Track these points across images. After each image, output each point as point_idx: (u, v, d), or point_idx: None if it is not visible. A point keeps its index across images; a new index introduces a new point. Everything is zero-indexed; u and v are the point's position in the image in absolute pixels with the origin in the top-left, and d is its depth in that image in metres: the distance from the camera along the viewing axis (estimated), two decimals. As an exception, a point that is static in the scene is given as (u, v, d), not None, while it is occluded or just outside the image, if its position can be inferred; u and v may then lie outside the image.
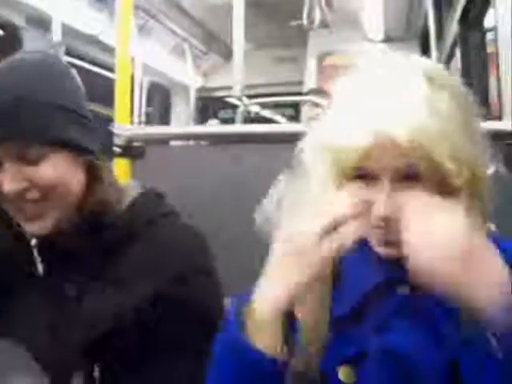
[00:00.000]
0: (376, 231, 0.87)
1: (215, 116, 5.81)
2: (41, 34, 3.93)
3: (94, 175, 1.08)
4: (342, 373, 0.86)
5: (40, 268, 1.06)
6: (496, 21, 1.92)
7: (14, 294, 1.06)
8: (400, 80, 0.85)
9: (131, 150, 1.83)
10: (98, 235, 1.05)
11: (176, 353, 1.01)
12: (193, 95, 5.31)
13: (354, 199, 0.83)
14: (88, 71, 4.92)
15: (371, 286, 0.89)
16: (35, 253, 1.06)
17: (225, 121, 5.56)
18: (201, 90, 5.62)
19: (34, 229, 1.03)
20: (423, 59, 0.92)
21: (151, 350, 1.00)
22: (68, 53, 3.99)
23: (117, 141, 1.81)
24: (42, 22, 3.79)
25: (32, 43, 3.92)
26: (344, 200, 0.84)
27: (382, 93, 0.84)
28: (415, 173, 0.83)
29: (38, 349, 0.98)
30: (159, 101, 5.78)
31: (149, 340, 1.00)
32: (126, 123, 1.87)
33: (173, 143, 1.96)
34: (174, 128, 2.85)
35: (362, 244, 0.90)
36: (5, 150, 1.00)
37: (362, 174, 0.86)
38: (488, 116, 2.92)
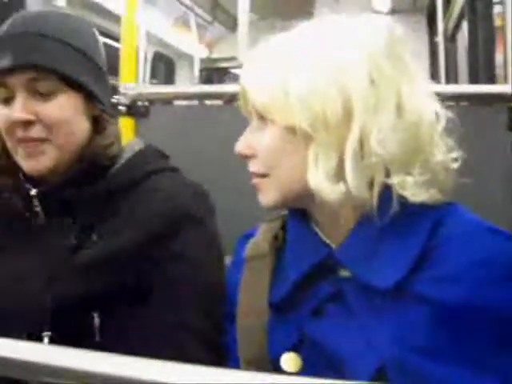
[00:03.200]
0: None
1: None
2: (44, 1, 3.92)
3: (99, 125, 1.08)
4: (285, 361, 0.86)
5: (40, 217, 1.05)
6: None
7: (13, 243, 1.06)
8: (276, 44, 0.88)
9: (136, 109, 1.84)
10: (97, 185, 1.05)
11: (173, 298, 1.01)
12: (197, 66, 5.30)
13: None
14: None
15: (307, 267, 0.87)
16: (35, 202, 1.05)
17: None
18: (205, 60, 5.60)
19: (33, 165, 1.03)
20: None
21: (148, 296, 1.00)
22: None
23: (122, 100, 1.82)
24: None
25: (35, 8, 3.90)
26: None
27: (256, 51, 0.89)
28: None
29: (35, 298, 0.98)
30: (163, 71, 5.77)
31: (145, 285, 1.01)
32: (132, 82, 1.88)
33: (177, 103, 1.97)
34: (178, 87, 2.84)
35: (300, 218, 0.90)
36: (18, 79, 1.00)
37: None
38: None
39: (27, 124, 1.01)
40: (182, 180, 1.11)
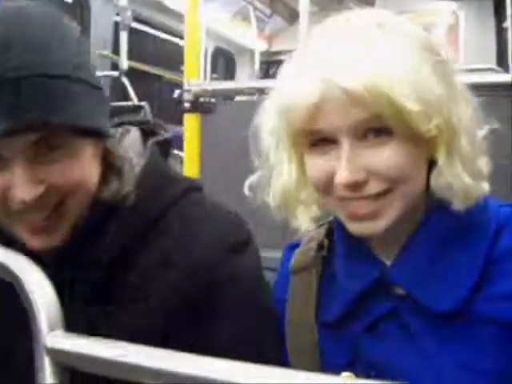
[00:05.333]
0: (343, 204, 0.77)
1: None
2: (107, 0, 4.00)
3: (108, 163, 0.86)
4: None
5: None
6: None
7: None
8: (351, 30, 0.76)
9: (200, 105, 1.85)
10: (112, 232, 0.84)
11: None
12: (257, 59, 5.29)
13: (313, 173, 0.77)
14: (155, 37, 4.99)
15: (362, 286, 0.81)
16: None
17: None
18: (265, 53, 5.60)
19: (40, 244, 0.81)
20: (380, 11, 0.81)
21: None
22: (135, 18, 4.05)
23: (186, 96, 1.84)
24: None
25: (99, 9, 4.00)
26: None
27: (331, 44, 0.75)
28: (381, 126, 0.72)
29: None
30: (224, 66, 5.80)
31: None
32: (196, 79, 1.90)
33: (238, 98, 1.98)
34: (242, 82, 2.83)
35: (349, 235, 0.83)
36: (17, 144, 0.74)
37: (321, 139, 0.75)
38: None
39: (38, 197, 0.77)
40: (205, 213, 0.89)
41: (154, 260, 0.84)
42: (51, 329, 0.54)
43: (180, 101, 1.83)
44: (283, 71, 0.80)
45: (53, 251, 0.83)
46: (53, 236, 0.81)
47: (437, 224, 0.78)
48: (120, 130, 0.92)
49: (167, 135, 0.95)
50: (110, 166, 0.86)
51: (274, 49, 5.73)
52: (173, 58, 4.78)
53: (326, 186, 0.76)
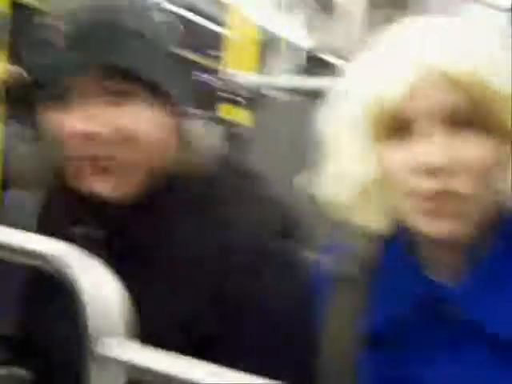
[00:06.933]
0: (420, 200, 0.72)
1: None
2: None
3: (180, 137, 0.88)
4: None
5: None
6: None
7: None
8: (448, 22, 0.76)
9: (254, 100, 1.85)
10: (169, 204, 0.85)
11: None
12: (304, 55, 5.27)
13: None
14: (189, 20, 4.98)
15: (410, 301, 0.77)
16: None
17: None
18: (311, 49, 5.57)
19: (102, 188, 0.82)
20: None
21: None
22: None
23: (240, 91, 1.84)
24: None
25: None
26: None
27: (430, 32, 0.74)
28: (472, 117, 0.70)
29: None
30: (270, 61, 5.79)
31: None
32: (250, 73, 1.90)
33: (284, 96, 1.96)
34: (296, 79, 2.80)
35: (396, 242, 0.80)
36: (87, 82, 0.81)
37: (404, 130, 0.73)
38: None
39: (92, 138, 0.80)
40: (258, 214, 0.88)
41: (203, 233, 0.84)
42: (107, 334, 0.48)
43: (233, 95, 1.83)
44: (365, 64, 0.78)
45: (112, 206, 0.84)
46: (107, 184, 0.82)
47: (502, 235, 0.74)
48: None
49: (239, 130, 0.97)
50: (181, 139, 0.88)
51: (320, 45, 5.70)
52: (199, 39, 4.74)
53: (404, 180, 0.72)
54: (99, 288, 0.50)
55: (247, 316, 0.82)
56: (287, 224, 0.90)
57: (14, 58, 2.66)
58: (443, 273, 0.76)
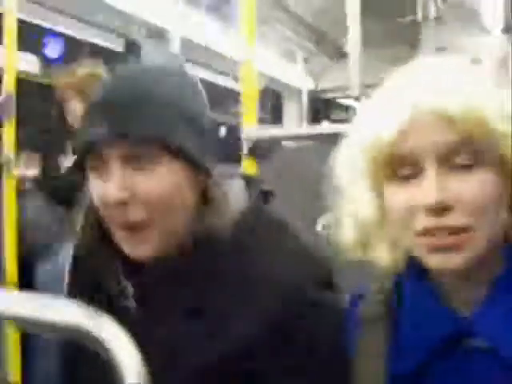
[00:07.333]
0: (423, 237, 0.73)
1: (327, 118, 5.82)
2: (159, 47, 4.11)
3: (205, 197, 0.92)
4: None
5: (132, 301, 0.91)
6: None
7: None
8: (442, 61, 0.78)
9: (257, 151, 1.89)
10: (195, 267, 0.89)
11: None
12: (305, 98, 5.35)
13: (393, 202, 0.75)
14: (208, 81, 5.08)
15: (437, 339, 0.77)
16: (129, 286, 0.91)
17: (337, 122, 5.56)
18: (312, 92, 5.65)
19: (135, 252, 0.88)
20: None
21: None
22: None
23: (244, 143, 1.88)
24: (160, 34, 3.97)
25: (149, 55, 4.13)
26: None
27: (423, 72, 0.77)
28: (469, 151, 0.71)
29: None
30: (271, 106, 5.86)
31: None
32: (253, 125, 1.94)
33: (291, 144, 2.01)
34: (300, 128, 2.87)
35: (419, 278, 0.80)
36: (114, 151, 0.85)
37: (403, 169, 0.74)
38: None
39: (124, 204, 0.85)
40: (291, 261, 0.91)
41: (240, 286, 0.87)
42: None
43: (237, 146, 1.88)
44: (364, 108, 0.81)
45: (152, 266, 0.89)
46: (144, 246, 0.87)
47: None
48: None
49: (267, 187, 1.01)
50: (206, 200, 0.92)
51: (321, 87, 5.79)
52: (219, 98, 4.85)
53: (405, 219, 0.74)
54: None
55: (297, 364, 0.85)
56: (323, 273, 0.92)
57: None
58: (458, 300, 0.78)
